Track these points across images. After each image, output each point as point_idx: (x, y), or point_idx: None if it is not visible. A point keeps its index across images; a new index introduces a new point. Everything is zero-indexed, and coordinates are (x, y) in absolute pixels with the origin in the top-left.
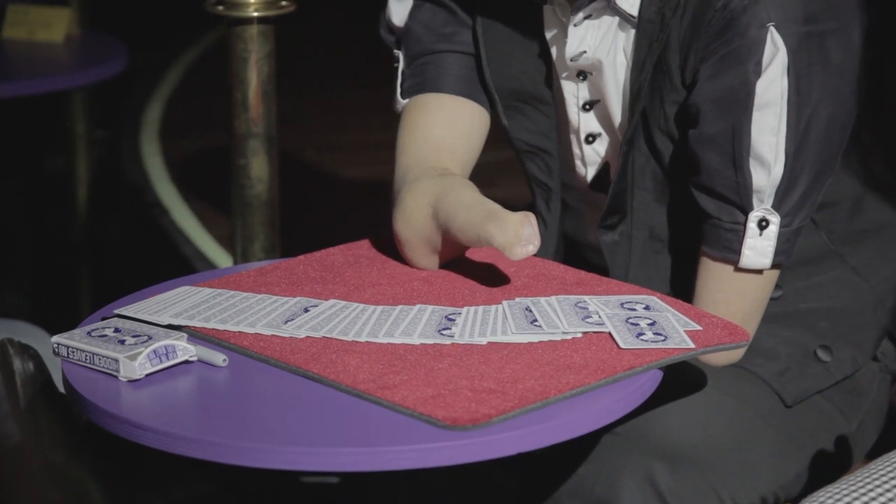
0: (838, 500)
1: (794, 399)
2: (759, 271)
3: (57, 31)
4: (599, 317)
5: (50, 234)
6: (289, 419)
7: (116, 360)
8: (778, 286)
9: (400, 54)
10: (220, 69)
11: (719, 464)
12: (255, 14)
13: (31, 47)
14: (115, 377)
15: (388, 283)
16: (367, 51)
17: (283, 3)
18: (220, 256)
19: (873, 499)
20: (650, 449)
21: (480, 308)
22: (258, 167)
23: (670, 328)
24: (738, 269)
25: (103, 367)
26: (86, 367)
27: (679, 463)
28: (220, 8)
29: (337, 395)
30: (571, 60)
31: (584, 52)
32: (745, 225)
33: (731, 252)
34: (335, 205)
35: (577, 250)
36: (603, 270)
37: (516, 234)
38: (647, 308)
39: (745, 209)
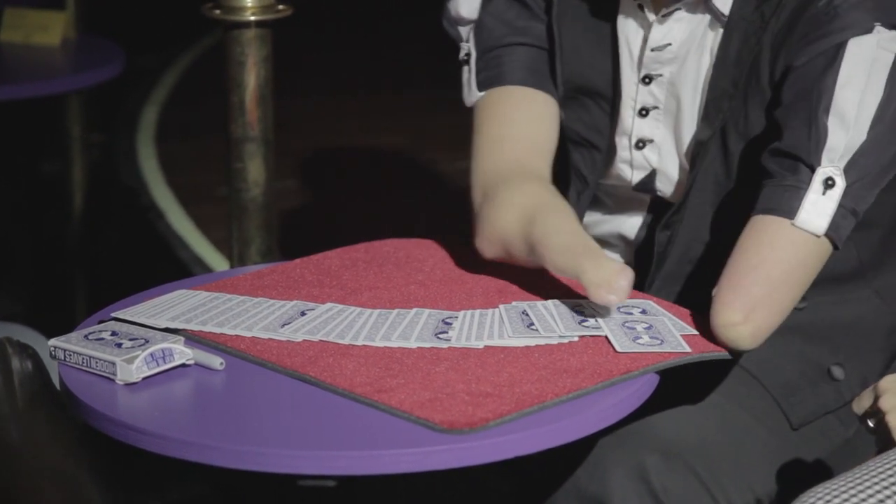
0: (836, 496)
1: (801, 421)
2: (807, 243)
3: (54, 35)
4: (596, 321)
5: (46, 238)
6: (285, 422)
7: (113, 364)
8: (803, 297)
9: (470, 46)
10: (216, 73)
11: (713, 464)
12: (252, 18)
13: (28, 51)
14: (112, 380)
15: (385, 286)
16: (365, 55)
17: (280, 7)
18: (216, 260)
19: (870, 496)
20: (644, 448)
21: (477, 312)
22: (255, 171)
23: (666, 332)
24: (789, 229)
25: (100, 370)
26: (83, 370)
27: (673, 462)
28: (217, 12)
29: (334, 399)
30: (652, 50)
31: (670, 44)
32: (809, 183)
33: (786, 210)
34: (332, 208)
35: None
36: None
37: (608, 280)
38: (643, 312)
39: (813, 165)
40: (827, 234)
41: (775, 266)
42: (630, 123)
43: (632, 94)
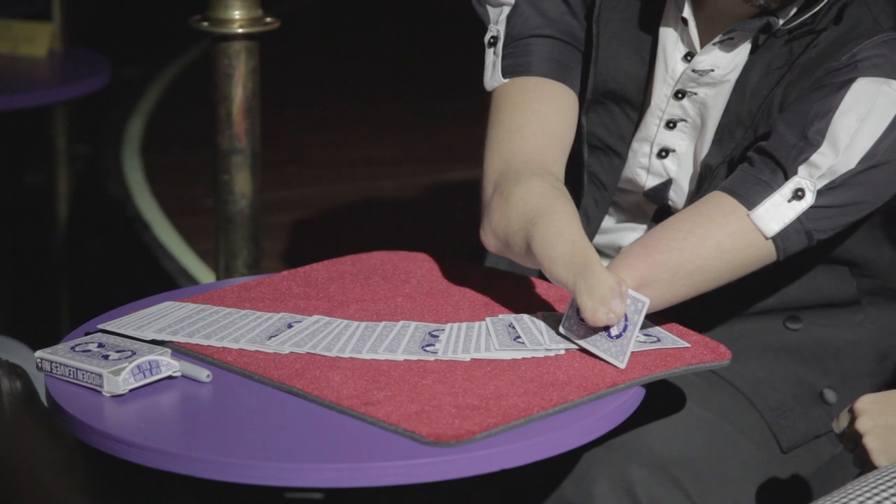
0: None
1: (791, 445)
2: (748, 238)
3: (40, 46)
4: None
5: (30, 249)
6: (272, 435)
7: (100, 376)
8: (798, 319)
9: (499, 29)
10: (203, 84)
11: (700, 478)
12: (240, 30)
13: (14, 62)
14: (99, 392)
15: (372, 299)
16: (351, 67)
17: (268, 19)
18: (202, 272)
19: None
20: (630, 460)
21: (464, 325)
22: (242, 183)
23: (660, 333)
24: (741, 218)
25: (87, 382)
26: (69, 382)
27: (659, 475)
28: (205, 24)
29: (321, 411)
30: (694, 71)
31: (713, 70)
32: (780, 186)
33: (748, 199)
34: (319, 221)
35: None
36: None
37: (602, 300)
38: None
39: (789, 172)
40: (773, 239)
41: (705, 243)
42: (654, 132)
43: (661, 105)
